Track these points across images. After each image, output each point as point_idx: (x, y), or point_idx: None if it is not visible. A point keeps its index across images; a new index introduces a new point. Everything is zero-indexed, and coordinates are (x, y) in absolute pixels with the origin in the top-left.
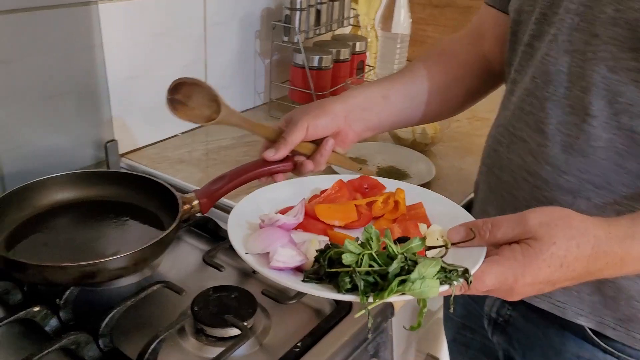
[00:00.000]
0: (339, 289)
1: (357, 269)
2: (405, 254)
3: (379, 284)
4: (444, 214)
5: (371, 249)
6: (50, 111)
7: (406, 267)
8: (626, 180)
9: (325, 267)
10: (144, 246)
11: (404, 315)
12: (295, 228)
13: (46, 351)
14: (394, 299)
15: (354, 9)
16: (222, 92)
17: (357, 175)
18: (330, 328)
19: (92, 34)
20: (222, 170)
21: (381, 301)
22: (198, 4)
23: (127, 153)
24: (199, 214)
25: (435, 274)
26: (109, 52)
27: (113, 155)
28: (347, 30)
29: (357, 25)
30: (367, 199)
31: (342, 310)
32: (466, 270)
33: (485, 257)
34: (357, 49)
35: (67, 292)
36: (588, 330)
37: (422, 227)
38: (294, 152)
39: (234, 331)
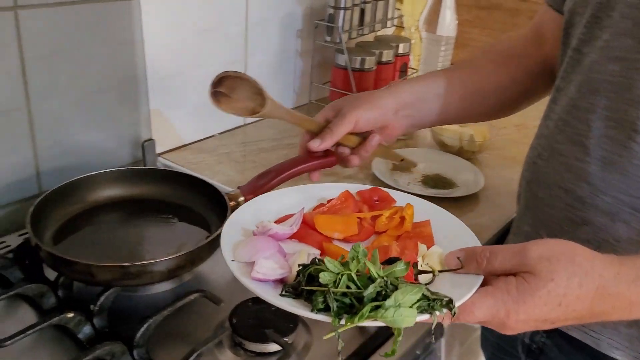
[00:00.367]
0: (312, 308)
1: (333, 290)
2: (386, 278)
3: (355, 307)
4: (451, 236)
5: (351, 269)
6: (89, 108)
7: (383, 292)
8: None
9: (303, 284)
10: (196, 246)
11: (453, 333)
12: (292, 237)
13: None
14: (367, 324)
15: (398, 9)
16: None
17: (368, 187)
18: (376, 347)
19: (133, 29)
20: None
21: (352, 325)
22: (240, 1)
23: (164, 153)
24: None
25: (416, 302)
26: (149, 48)
27: (150, 154)
28: (390, 31)
29: (400, 26)
30: (373, 213)
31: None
32: (450, 301)
33: (481, 286)
34: (401, 51)
35: (102, 298)
36: None
37: (422, 247)
38: (337, 144)
39: (274, 347)
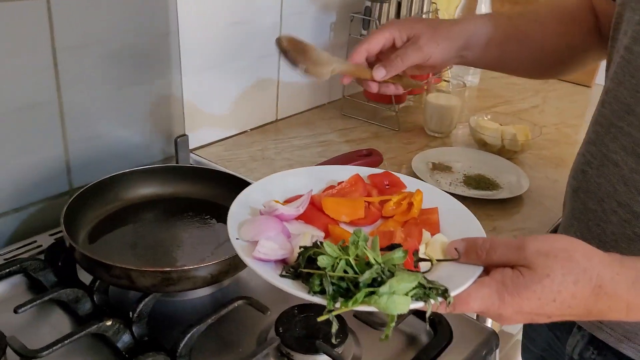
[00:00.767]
0: (309, 290)
1: (330, 273)
2: (383, 264)
3: (351, 291)
4: (458, 225)
5: (349, 254)
6: (121, 101)
7: (379, 279)
8: None
9: (302, 266)
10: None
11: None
12: (299, 218)
13: None
14: (360, 308)
15: (434, 2)
16: (293, 86)
17: (380, 171)
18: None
19: (168, 19)
20: None
21: (346, 309)
22: None
23: (195, 149)
24: None
25: (411, 290)
26: (184, 40)
27: (183, 150)
28: None
29: None
30: (381, 197)
31: (441, 339)
32: (446, 290)
33: (480, 277)
34: None
35: (142, 305)
36: None
37: (426, 235)
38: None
39: (323, 358)
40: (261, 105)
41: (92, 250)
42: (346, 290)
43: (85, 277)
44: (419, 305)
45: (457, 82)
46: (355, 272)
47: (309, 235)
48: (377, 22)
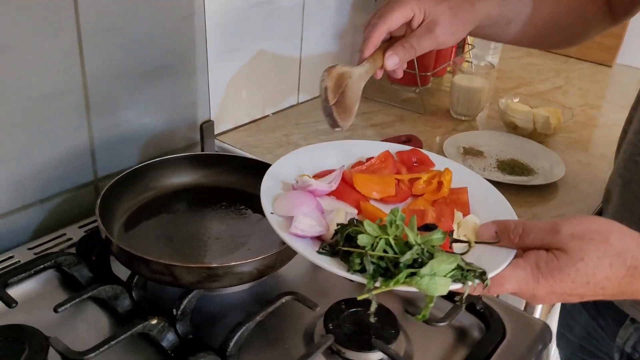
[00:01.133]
0: (348, 268)
1: (370, 253)
2: (423, 245)
3: (390, 271)
4: (488, 206)
5: (389, 234)
6: (146, 86)
7: (420, 260)
8: None
9: (341, 244)
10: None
11: None
12: (330, 194)
13: None
14: (401, 289)
15: None
16: (317, 69)
17: (409, 148)
18: (486, 358)
19: (194, 1)
20: None
21: (387, 289)
22: None
23: (219, 134)
24: None
25: (450, 272)
26: (210, 21)
27: (209, 136)
28: None
29: None
30: (411, 175)
31: (495, 335)
32: (484, 272)
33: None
34: None
35: (185, 301)
36: None
37: (458, 215)
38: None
39: (377, 355)
40: (283, 88)
41: (128, 243)
42: (385, 269)
43: (120, 271)
44: (457, 286)
45: (485, 64)
46: (395, 252)
47: (343, 212)
48: None
